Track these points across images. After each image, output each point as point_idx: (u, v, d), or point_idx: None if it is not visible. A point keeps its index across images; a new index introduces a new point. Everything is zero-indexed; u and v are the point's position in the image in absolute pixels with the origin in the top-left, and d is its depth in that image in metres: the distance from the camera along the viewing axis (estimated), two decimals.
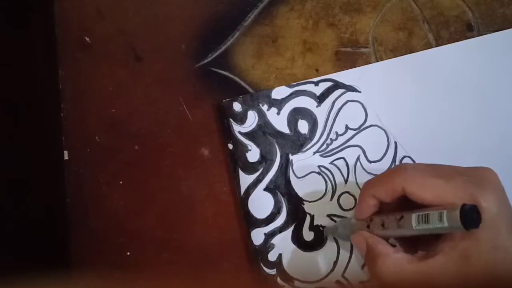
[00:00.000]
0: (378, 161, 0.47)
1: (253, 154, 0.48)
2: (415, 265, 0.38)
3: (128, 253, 0.50)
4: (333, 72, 0.49)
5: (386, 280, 0.38)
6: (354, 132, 0.48)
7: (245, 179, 0.48)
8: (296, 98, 0.48)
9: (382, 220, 0.40)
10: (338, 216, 0.48)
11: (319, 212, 0.48)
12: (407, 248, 0.41)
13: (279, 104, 0.48)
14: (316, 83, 0.48)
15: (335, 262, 0.48)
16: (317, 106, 0.48)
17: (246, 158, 0.48)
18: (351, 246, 0.47)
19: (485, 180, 0.37)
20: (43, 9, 0.50)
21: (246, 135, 0.48)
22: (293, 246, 0.48)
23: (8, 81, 0.45)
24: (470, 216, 0.34)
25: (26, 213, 0.46)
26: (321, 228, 0.48)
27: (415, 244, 0.41)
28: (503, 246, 0.36)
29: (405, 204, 0.39)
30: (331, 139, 0.48)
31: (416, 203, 0.38)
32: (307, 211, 0.48)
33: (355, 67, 0.49)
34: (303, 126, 0.48)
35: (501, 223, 0.36)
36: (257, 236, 0.48)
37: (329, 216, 0.48)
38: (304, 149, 0.48)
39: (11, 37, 0.47)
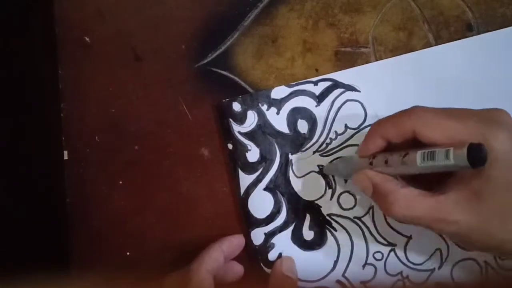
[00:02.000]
0: None
1: (253, 154, 0.48)
2: (426, 200, 0.37)
3: (128, 253, 0.50)
4: (333, 72, 0.49)
5: (399, 216, 0.38)
6: (353, 131, 0.48)
7: (245, 179, 0.48)
8: (296, 98, 0.48)
9: (385, 157, 0.40)
10: (338, 216, 0.48)
11: (319, 212, 0.48)
12: (414, 185, 0.40)
13: (278, 104, 0.48)
14: (315, 83, 0.48)
15: (336, 262, 0.47)
16: (316, 106, 0.48)
17: (245, 158, 0.48)
18: (352, 246, 0.47)
19: (497, 120, 0.37)
20: (43, 9, 0.50)
21: (246, 135, 0.48)
22: (293, 246, 0.48)
23: (8, 81, 0.45)
24: (477, 154, 0.34)
25: (26, 213, 0.46)
26: (319, 167, 0.48)
27: (421, 182, 0.40)
28: None
29: (413, 147, 0.39)
30: (330, 138, 0.48)
31: (426, 145, 0.38)
32: (307, 210, 0.48)
33: (355, 67, 0.49)
34: (302, 126, 0.48)
35: None
36: (257, 235, 0.48)
37: (329, 215, 0.48)
38: (304, 149, 0.48)
39: (11, 37, 0.47)
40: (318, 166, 0.48)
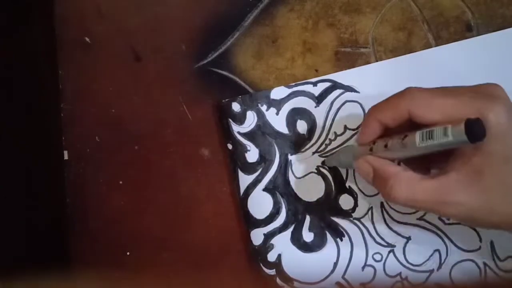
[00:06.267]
0: None
1: (252, 154, 0.48)
2: (428, 182, 0.37)
3: (128, 253, 0.50)
4: (333, 72, 0.49)
5: (401, 200, 0.38)
6: (352, 132, 0.48)
7: (244, 179, 0.48)
8: (295, 99, 0.48)
9: (385, 141, 0.39)
10: (338, 217, 0.48)
11: (319, 213, 0.48)
12: (415, 170, 0.40)
13: (278, 104, 0.48)
14: (315, 84, 0.48)
15: (335, 264, 0.48)
16: (315, 107, 0.48)
17: (245, 158, 0.48)
18: (351, 248, 0.47)
19: (493, 95, 0.37)
20: (43, 9, 0.51)
21: (245, 135, 0.48)
22: (292, 247, 0.48)
23: (8, 81, 0.45)
24: (476, 129, 0.34)
25: (26, 213, 0.46)
26: (321, 164, 0.48)
27: (423, 167, 0.40)
28: None
29: (411, 129, 0.38)
30: (330, 139, 0.48)
31: (423, 126, 0.37)
32: (306, 211, 0.48)
33: (354, 67, 0.49)
34: (302, 127, 0.48)
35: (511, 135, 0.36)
36: (257, 236, 0.48)
37: (329, 217, 0.48)
38: (303, 149, 0.48)
39: (12, 37, 0.47)
40: (319, 166, 0.48)
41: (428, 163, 0.41)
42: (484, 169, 0.36)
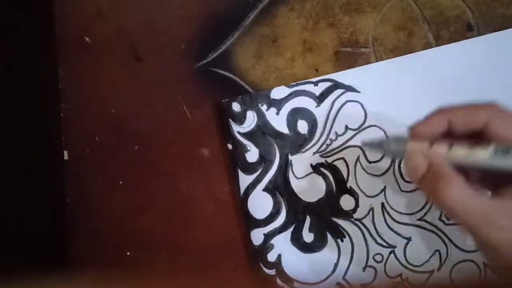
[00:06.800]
0: (378, 161, 0.47)
1: (252, 154, 0.48)
2: (483, 197, 0.35)
3: (128, 253, 0.50)
4: (333, 72, 0.48)
5: (449, 203, 0.36)
6: (353, 132, 0.48)
7: (244, 179, 0.48)
8: (296, 98, 0.48)
9: (450, 143, 0.37)
10: (339, 218, 0.48)
11: (319, 214, 0.48)
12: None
13: (278, 104, 0.48)
14: (316, 83, 0.48)
15: (336, 264, 0.48)
16: (316, 106, 0.48)
17: (245, 158, 0.48)
18: (352, 248, 0.47)
19: None
20: (43, 9, 0.50)
21: (245, 135, 0.48)
22: (292, 247, 0.48)
23: (8, 81, 0.45)
24: None
25: (26, 213, 0.46)
26: (362, 144, 0.44)
27: (478, 182, 0.39)
28: None
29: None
30: (330, 139, 0.48)
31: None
32: (307, 212, 0.48)
33: (355, 67, 0.48)
34: (302, 126, 0.48)
35: None
36: (257, 236, 0.48)
37: (330, 217, 0.48)
38: (304, 150, 0.48)
39: (11, 37, 0.47)
40: (318, 164, 0.48)
41: (485, 180, 0.39)
42: None
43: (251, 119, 0.48)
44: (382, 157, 0.47)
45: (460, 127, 0.38)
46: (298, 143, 0.48)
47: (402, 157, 0.42)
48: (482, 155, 0.35)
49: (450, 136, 0.38)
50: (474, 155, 0.36)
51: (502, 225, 0.35)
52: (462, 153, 0.36)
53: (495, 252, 0.36)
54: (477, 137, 0.37)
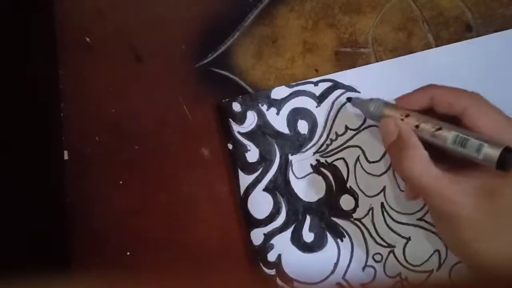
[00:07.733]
0: (378, 161, 0.47)
1: (252, 154, 0.48)
2: (440, 173, 0.37)
3: (128, 253, 0.50)
4: (333, 72, 0.49)
5: (408, 173, 0.38)
6: (353, 132, 0.48)
7: (245, 179, 0.48)
8: (296, 98, 0.48)
9: (418, 121, 0.40)
10: (339, 218, 0.48)
11: (319, 214, 0.48)
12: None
13: (278, 104, 0.48)
14: (316, 83, 0.48)
15: (336, 264, 0.48)
16: (316, 107, 0.48)
17: (245, 158, 0.48)
18: (352, 248, 0.47)
19: None
20: (43, 9, 0.50)
21: (245, 135, 0.48)
22: (292, 247, 0.48)
23: (8, 81, 0.45)
24: (508, 159, 0.34)
25: (26, 213, 0.46)
26: (347, 98, 0.47)
27: (439, 155, 0.40)
28: None
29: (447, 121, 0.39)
30: (330, 139, 0.48)
31: (465, 127, 0.38)
32: (307, 212, 0.48)
33: (355, 67, 0.48)
34: (302, 126, 0.48)
35: None
36: (257, 236, 0.48)
37: (330, 217, 0.48)
38: (304, 150, 0.48)
39: (11, 37, 0.47)
40: (319, 167, 0.48)
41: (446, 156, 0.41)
42: (495, 194, 0.36)
43: (251, 119, 0.48)
44: (382, 158, 0.47)
45: (441, 108, 0.40)
46: (298, 143, 0.48)
47: (378, 120, 0.44)
48: (443, 140, 0.38)
49: (435, 114, 0.40)
50: (436, 137, 0.38)
51: (455, 200, 0.37)
52: (427, 131, 0.39)
53: (450, 223, 0.38)
54: (458, 120, 0.39)
